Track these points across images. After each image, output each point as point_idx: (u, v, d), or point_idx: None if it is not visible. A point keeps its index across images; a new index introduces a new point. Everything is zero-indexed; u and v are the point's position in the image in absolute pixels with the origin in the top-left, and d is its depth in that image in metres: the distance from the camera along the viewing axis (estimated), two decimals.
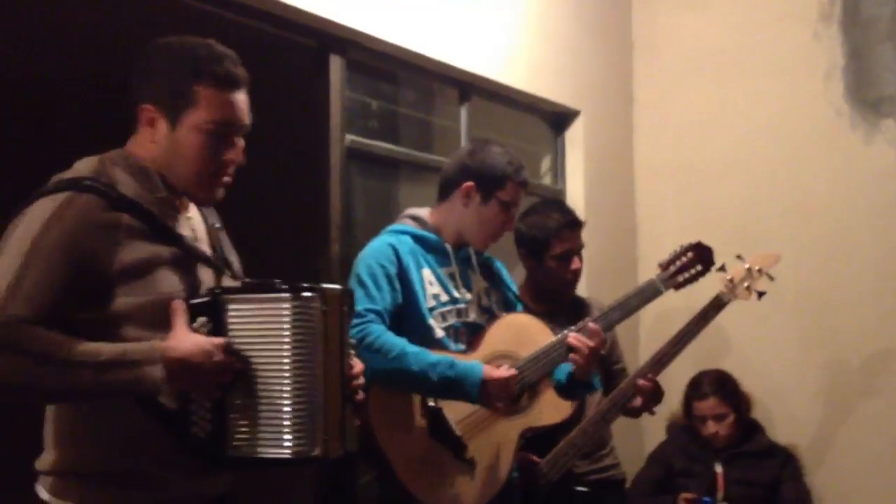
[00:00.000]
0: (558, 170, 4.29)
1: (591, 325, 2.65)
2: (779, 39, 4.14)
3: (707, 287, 2.89)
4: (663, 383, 2.96)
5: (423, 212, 2.77)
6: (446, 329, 2.63)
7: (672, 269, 2.79)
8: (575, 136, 4.27)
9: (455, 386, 2.47)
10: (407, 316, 2.57)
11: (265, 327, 1.72)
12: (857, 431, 3.87)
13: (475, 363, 2.52)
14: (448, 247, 2.71)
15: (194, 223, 1.89)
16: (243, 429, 1.71)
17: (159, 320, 1.68)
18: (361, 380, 1.90)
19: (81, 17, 3.37)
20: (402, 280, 2.57)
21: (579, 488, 3.11)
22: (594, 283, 3.95)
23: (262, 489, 2.85)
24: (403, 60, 3.44)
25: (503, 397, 2.52)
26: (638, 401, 2.93)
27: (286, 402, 1.70)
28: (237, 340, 1.71)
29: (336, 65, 3.19)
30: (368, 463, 2.61)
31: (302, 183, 3.28)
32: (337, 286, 1.87)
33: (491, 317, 2.75)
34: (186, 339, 1.66)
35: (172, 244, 1.77)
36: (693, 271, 2.79)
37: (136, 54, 1.84)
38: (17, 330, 1.56)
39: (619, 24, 4.55)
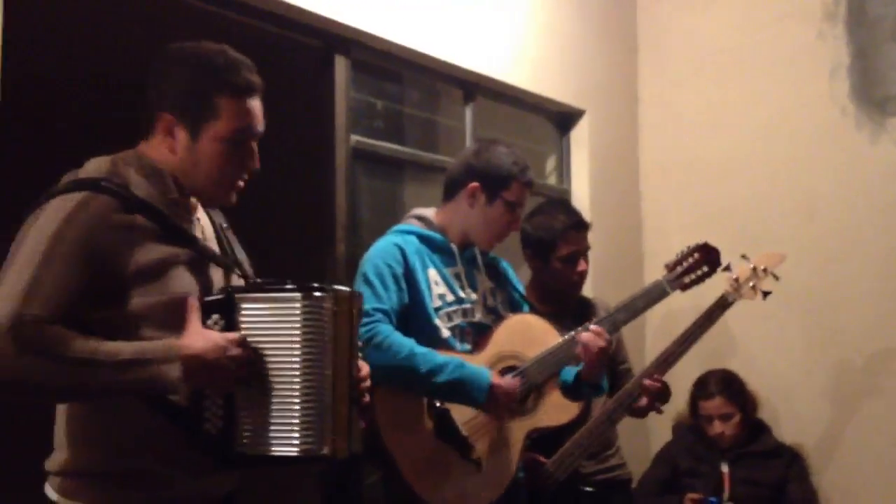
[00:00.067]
0: (563, 169, 4.29)
1: (594, 327, 2.65)
2: (784, 39, 4.13)
3: (713, 287, 2.89)
4: (669, 383, 2.96)
5: (429, 212, 2.77)
6: (452, 329, 2.63)
7: (679, 269, 2.78)
8: (580, 136, 4.27)
9: (463, 388, 2.48)
10: (413, 316, 2.58)
11: (277, 326, 1.74)
12: (863, 431, 3.87)
13: (483, 368, 2.53)
14: (454, 247, 2.71)
15: (203, 223, 1.91)
16: (253, 426, 1.72)
17: (174, 321, 1.70)
18: (368, 382, 1.91)
19: (84, 17, 3.37)
20: (409, 280, 2.58)
21: (585, 488, 3.11)
22: (600, 282, 3.95)
23: (268, 489, 2.85)
24: (408, 60, 3.45)
25: (508, 405, 2.53)
26: (644, 401, 2.93)
27: (296, 399, 1.71)
28: (249, 338, 1.73)
29: (341, 65, 3.20)
30: (374, 463, 2.61)
31: (307, 183, 3.28)
32: (347, 288, 1.89)
33: (497, 317, 2.75)
34: (200, 336, 1.68)
35: (186, 245, 1.78)
36: (699, 272, 2.78)
37: (150, 60, 1.84)
38: (37, 330, 1.57)
39: (624, 23, 4.55)
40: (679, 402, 3.75)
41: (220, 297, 1.77)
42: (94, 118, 3.51)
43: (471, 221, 2.71)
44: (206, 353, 1.66)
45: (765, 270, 2.92)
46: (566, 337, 2.68)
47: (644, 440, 4.24)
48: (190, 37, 1.88)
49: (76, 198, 1.68)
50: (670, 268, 2.80)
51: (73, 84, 3.73)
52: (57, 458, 1.75)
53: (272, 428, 1.71)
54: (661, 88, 4.50)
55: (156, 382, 1.63)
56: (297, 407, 1.71)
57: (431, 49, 3.42)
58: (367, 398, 1.91)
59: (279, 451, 1.72)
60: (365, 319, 2.40)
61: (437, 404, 2.54)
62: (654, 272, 2.84)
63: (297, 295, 1.74)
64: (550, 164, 4.32)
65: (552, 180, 4.28)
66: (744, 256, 2.94)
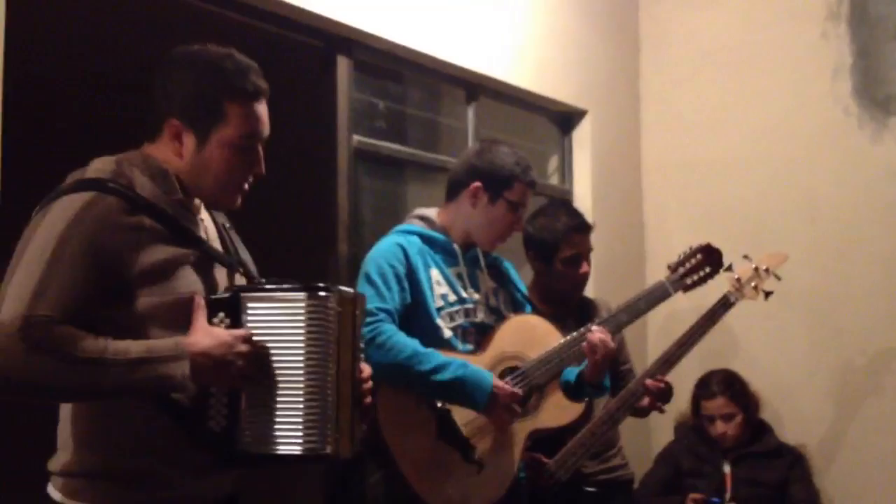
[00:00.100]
0: (565, 169, 4.29)
1: (598, 328, 2.65)
2: (786, 38, 4.13)
3: (715, 287, 2.89)
4: (671, 383, 2.95)
5: (431, 212, 2.77)
6: (454, 329, 2.63)
7: (681, 270, 2.78)
8: (582, 136, 4.26)
9: (465, 388, 2.47)
10: (415, 316, 2.57)
11: (281, 324, 1.74)
12: (865, 431, 3.86)
13: (486, 371, 2.53)
14: (456, 247, 2.71)
15: (206, 224, 1.91)
16: (256, 424, 1.72)
17: (181, 320, 1.70)
18: (370, 384, 1.91)
19: (85, 18, 3.37)
20: (411, 280, 2.58)
21: (587, 488, 3.11)
22: (602, 282, 3.94)
23: (270, 489, 2.85)
24: (410, 61, 3.45)
25: (508, 411, 2.54)
26: (646, 401, 2.92)
27: (300, 398, 1.71)
28: (254, 337, 1.73)
29: (343, 65, 3.19)
30: (376, 463, 2.61)
31: (309, 183, 3.28)
32: (350, 290, 1.89)
33: (499, 317, 2.75)
34: (207, 334, 1.68)
35: (191, 246, 1.79)
36: (702, 273, 2.78)
37: (152, 60, 1.84)
38: (46, 330, 1.57)
39: (626, 23, 4.55)
40: (681, 402, 3.74)
41: (226, 295, 1.77)
42: (95, 118, 3.52)
43: (473, 221, 2.70)
44: (213, 350, 1.66)
45: (767, 270, 2.92)
46: (568, 337, 2.68)
47: (646, 440, 4.24)
48: (191, 37, 1.87)
49: (83, 198, 1.67)
50: (673, 269, 2.80)
51: (75, 84, 3.73)
52: (60, 459, 1.75)
53: (276, 427, 1.71)
54: (664, 88, 4.50)
55: (165, 380, 1.63)
56: (300, 406, 1.71)
57: (433, 49, 3.42)
58: (368, 399, 1.91)
59: (282, 449, 1.72)
60: (368, 319, 2.40)
61: (439, 405, 2.54)
62: (656, 272, 2.84)
63: (302, 294, 1.74)
64: (552, 164, 4.32)
65: (554, 180, 4.28)
66: (746, 256, 2.94)
